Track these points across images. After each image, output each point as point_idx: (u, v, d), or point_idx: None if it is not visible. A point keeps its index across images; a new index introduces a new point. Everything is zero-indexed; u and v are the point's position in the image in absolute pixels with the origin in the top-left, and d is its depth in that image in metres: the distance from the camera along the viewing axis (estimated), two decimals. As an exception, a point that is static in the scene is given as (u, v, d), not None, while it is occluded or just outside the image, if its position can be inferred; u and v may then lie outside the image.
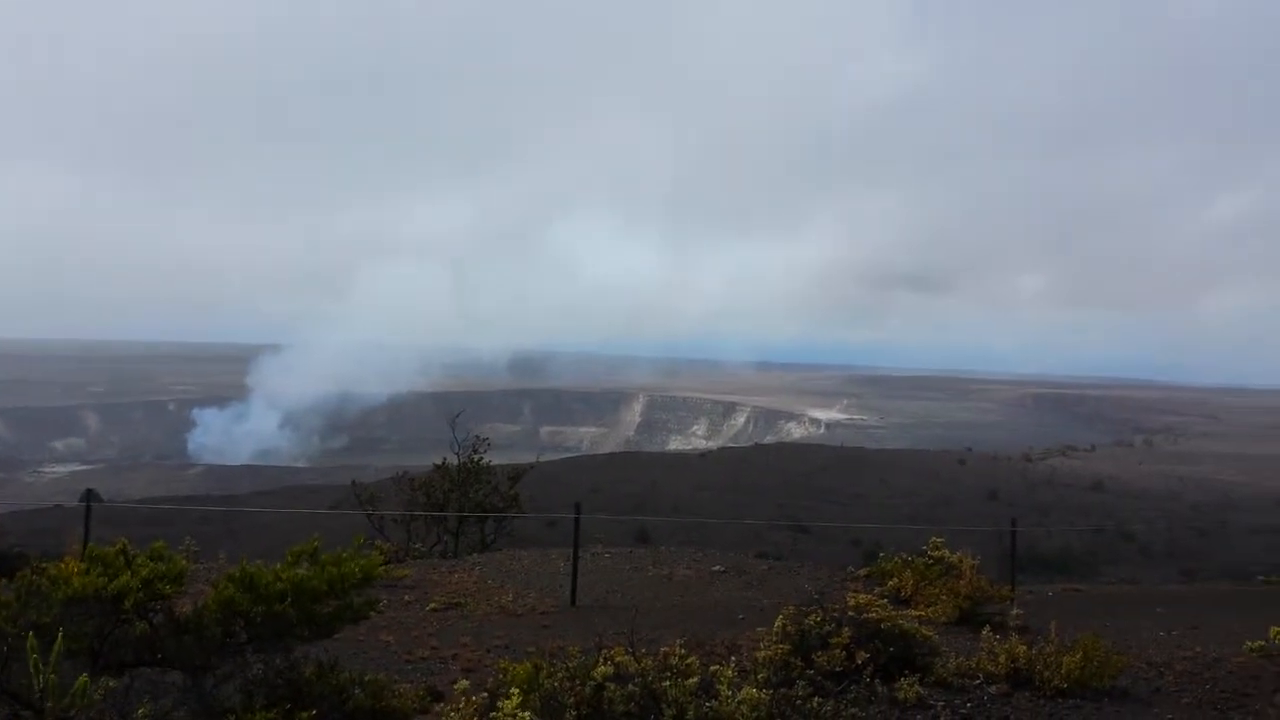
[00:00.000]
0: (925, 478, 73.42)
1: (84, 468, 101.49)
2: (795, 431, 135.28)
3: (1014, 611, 11.81)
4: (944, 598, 12.33)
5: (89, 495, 14.78)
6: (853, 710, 6.36)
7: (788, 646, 7.88)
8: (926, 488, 68.01)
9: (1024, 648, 8.08)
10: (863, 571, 15.54)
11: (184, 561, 5.22)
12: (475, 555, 17.48)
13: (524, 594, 13.58)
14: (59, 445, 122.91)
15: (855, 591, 11.05)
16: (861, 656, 7.69)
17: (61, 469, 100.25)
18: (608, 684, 5.70)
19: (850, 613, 8.33)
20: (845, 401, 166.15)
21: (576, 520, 13.87)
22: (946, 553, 13.91)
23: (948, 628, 11.51)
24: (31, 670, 4.23)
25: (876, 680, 7.25)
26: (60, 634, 4.40)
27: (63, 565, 5.16)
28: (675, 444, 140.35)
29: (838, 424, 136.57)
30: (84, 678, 4.29)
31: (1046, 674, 7.79)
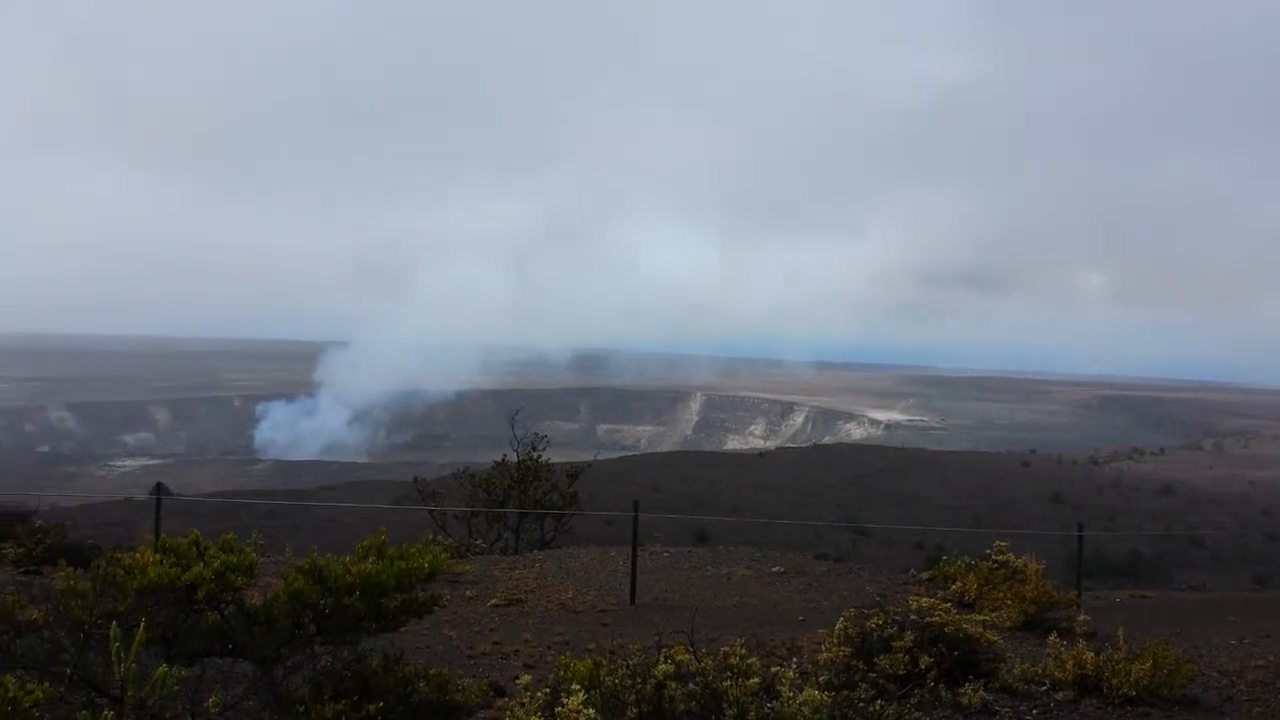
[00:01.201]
0: (988, 480, 72.40)
1: (153, 462, 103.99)
2: (854, 432, 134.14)
3: (1080, 617, 11.60)
4: (1009, 602, 12.15)
5: (159, 488, 15.12)
6: (916, 715, 6.29)
7: (849, 649, 7.82)
8: (989, 490, 67.06)
9: (1091, 654, 7.92)
10: (925, 574, 15.37)
11: (254, 554, 5.32)
12: (535, 552, 17.59)
13: (584, 591, 13.64)
14: (129, 440, 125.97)
15: (918, 595, 10.94)
16: (925, 661, 7.61)
17: (131, 463, 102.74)
18: (669, 682, 5.70)
19: (913, 616, 8.24)
20: (905, 402, 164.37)
21: (635, 519, 13.90)
22: (1011, 556, 13.70)
23: (1013, 633, 11.34)
24: (113, 659, 4.33)
25: (940, 685, 7.17)
26: (142, 624, 4.50)
27: (137, 556, 5.28)
28: (733, 443, 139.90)
29: (898, 425, 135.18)
30: (164, 667, 4.39)
31: (1114, 681, 7.63)
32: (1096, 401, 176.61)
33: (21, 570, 12.08)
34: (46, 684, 4.29)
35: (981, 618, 10.29)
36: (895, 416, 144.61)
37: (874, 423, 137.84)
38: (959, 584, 13.44)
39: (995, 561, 13.67)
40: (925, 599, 8.89)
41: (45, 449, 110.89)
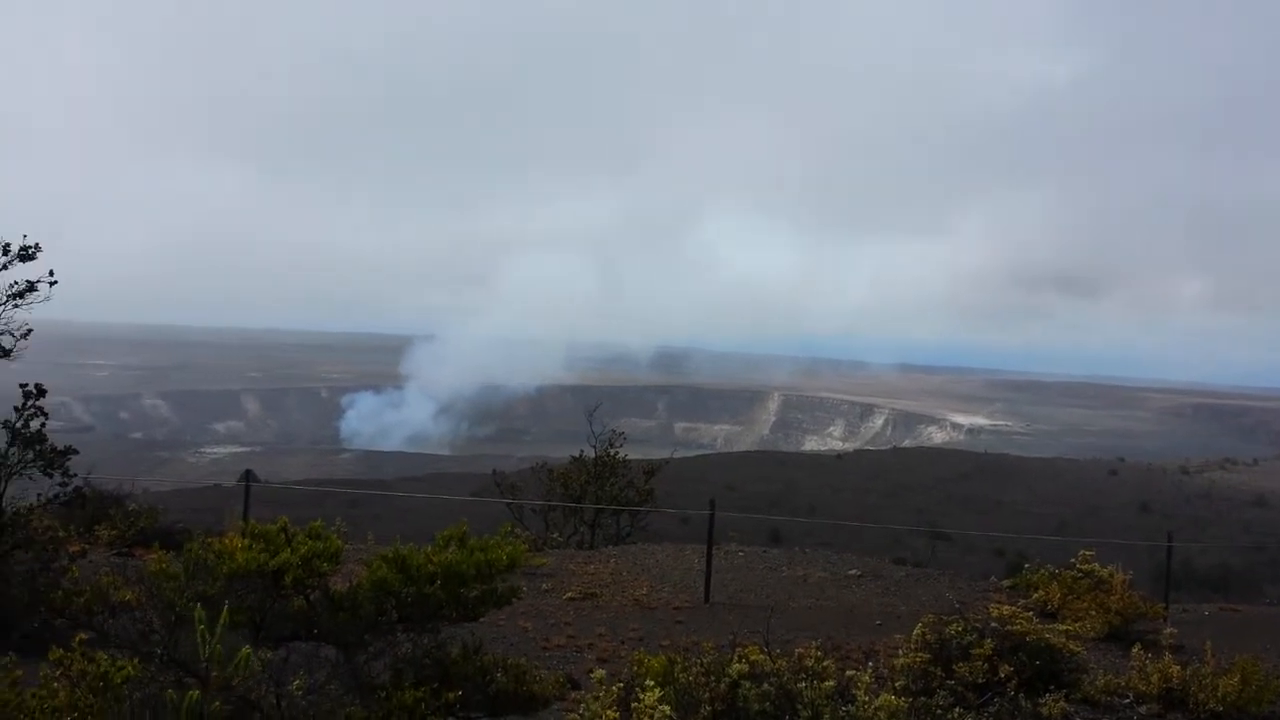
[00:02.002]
0: (1073, 488, 70.71)
1: (242, 449, 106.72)
2: (936, 436, 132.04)
3: (1167, 630, 11.32)
4: (1093, 613, 11.91)
5: (248, 475, 15.55)
6: (995, 723, 6.20)
7: (927, 655, 7.72)
8: (1075, 498, 65.49)
9: (1178, 668, 7.73)
10: (1006, 582, 15.12)
11: (339, 541, 5.45)
12: (611, 548, 17.69)
13: (658, 588, 13.67)
14: (220, 428, 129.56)
15: (998, 602, 10.76)
16: (1004, 669, 7.48)
17: (221, 450, 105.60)
18: (743, 682, 5.70)
19: (993, 624, 8.11)
20: (990, 407, 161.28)
21: (711, 517, 13.89)
22: (1096, 566, 13.42)
23: (1096, 644, 11.12)
24: (199, 640, 4.47)
25: (1020, 695, 7.04)
26: (226, 606, 4.64)
27: (227, 541, 5.44)
28: (811, 444, 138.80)
29: (981, 429, 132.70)
30: (247, 649, 4.52)
31: (1201, 696, 7.43)
32: (1188, 409, 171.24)
33: (114, 552, 12.49)
34: (136, 662, 4.44)
35: (1064, 627, 10.07)
36: (979, 421, 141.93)
37: (956, 427, 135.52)
38: (1041, 592, 13.21)
39: (1079, 570, 13.40)
40: (1006, 607, 8.75)
41: (140, 435, 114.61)
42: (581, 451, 21.72)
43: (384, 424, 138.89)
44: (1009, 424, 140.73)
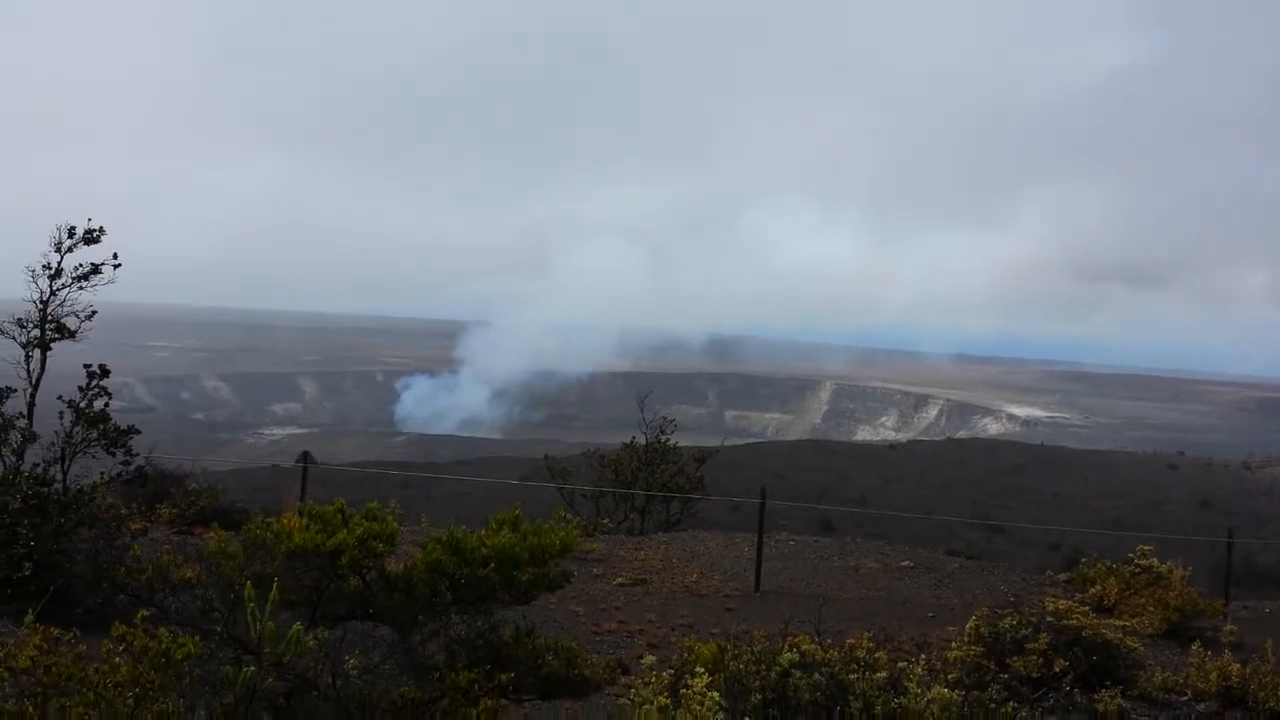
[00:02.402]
0: (1132, 481, 69.43)
1: (299, 431, 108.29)
2: (991, 427, 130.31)
3: (1227, 627, 11.13)
4: (1150, 608, 11.74)
5: (305, 457, 15.79)
6: (1050, 719, 6.12)
7: (980, 648, 7.65)
8: (1133, 492, 64.32)
9: (1237, 665, 7.58)
10: (1062, 576, 14.94)
11: (395, 523, 5.51)
12: (661, 534, 17.71)
13: (708, 575, 13.67)
14: (278, 409, 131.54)
15: (1054, 597, 10.62)
16: (1060, 664, 7.40)
17: (279, 431, 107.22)
18: (794, 671, 5.68)
19: (1049, 618, 8.01)
20: (1047, 398, 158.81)
21: (762, 505, 13.86)
22: (1154, 561, 13.21)
23: (1153, 640, 10.94)
24: (249, 618, 4.54)
25: (1076, 690, 6.95)
26: (275, 584, 4.71)
27: (285, 521, 5.52)
28: (863, 434, 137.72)
29: (1037, 421, 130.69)
30: (298, 626, 4.59)
31: (1261, 695, 7.28)
32: (1252, 403, 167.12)
33: (175, 530, 12.76)
34: (196, 639, 4.53)
35: (1121, 623, 9.94)
36: (1035, 412, 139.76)
37: (1012, 418, 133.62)
38: (1098, 587, 13.04)
39: (1137, 566, 13.21)
40: (1062, 601, 8.64)
41: (200, 416, 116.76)
42: (633, 438, 21.77)
43: (437, 407, 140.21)
44: (1066, 416, 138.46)
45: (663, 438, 21.53)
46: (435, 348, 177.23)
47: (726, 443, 33.54)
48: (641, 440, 21.52)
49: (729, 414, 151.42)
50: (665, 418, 22.24)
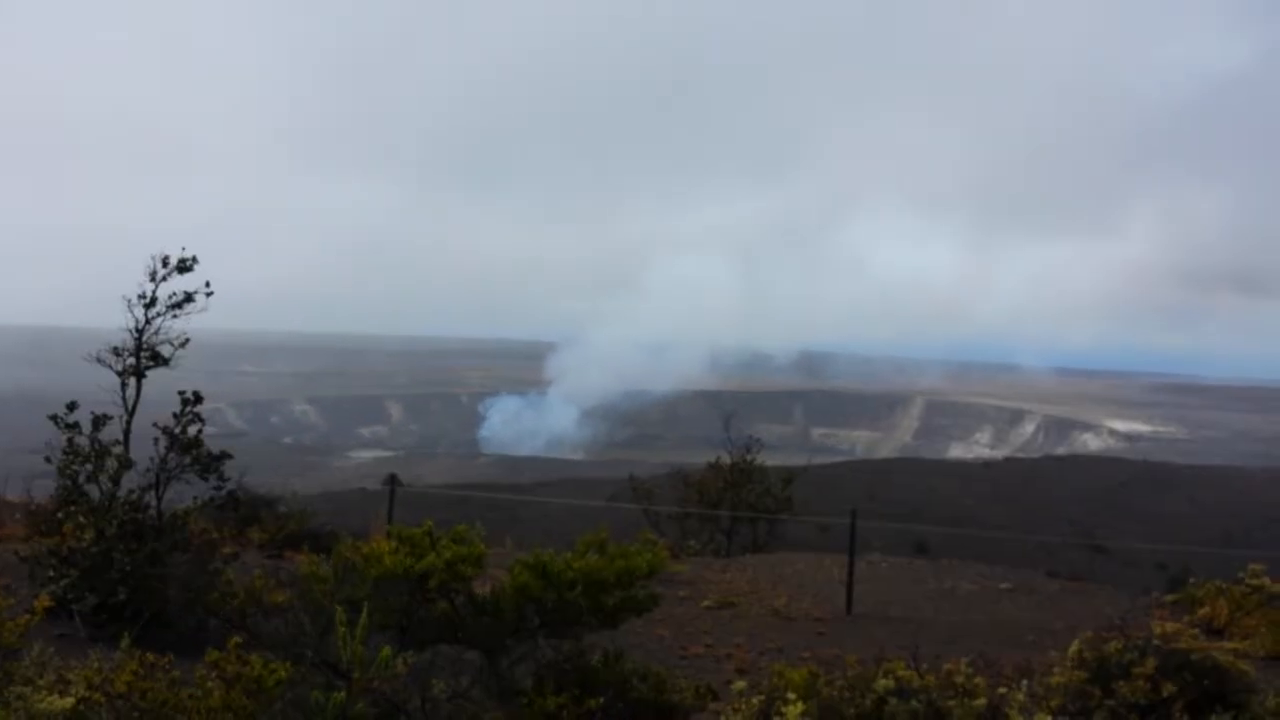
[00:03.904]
0: (1243, 498, 66.65)
1: (386, 454, 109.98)
2: (1091, 443, 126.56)
3: (1349, 651, 10.53)
4: (1263, 630, 11.21)
5: (392, 480, 15.99)
6: (1161, 749, 5.82)
7: (1085, 673, 7.34)
8: (1244, 509, 61.72)
9: (1357, 691, 7.13)
10: (1169, 597, 14.35)
11: (483, 545, 5.48)
12: (748, 556, 17.51)
13: (798, 598, 13.44)
14: (365, 432, 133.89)
15: (1160, 619, 10.18)
16: (1168, 689, 7.04)
17: (366, 454, 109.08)
18: (889, 698, 5.49)
19: (1156, 641, 7.66)
20: (1151, 412, 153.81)
21: (853, 526, 13.58)
22: (1266, 581, 12.61)
23: (1268, 663, 10.42)
24: (340, 642, 4.54)
25: (1185, 715, 6.61)
26: (366, 609, 4.71)
27: (374, 545, 5.54)
28: (956, 451, 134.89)
29: (1141, 436, 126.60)
30: (386, 650, 4.57)
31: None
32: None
33: (265, 554, 12.96)
34: (289, 664, 4.54)
35: (1232, 645, 9.47)
36: (1139, 427, 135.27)
37: (1114, 433, 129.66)
38: (1207, 608, 12.50)
39: (1249, 586, 12.63)
40: (1169, 624, 8.27)
41: (289, 440, 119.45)
42: (718, 457, 21.61)
43: (521, 429, 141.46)
44: (1172, 430, 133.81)
45: (748, 457, 21.33)
46: (519, 369, 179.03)
47: (813, 461, 33.09)
48: (727, 460, 21.35)
49: (816, 431, 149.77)
50: (750, 436, 22.05)
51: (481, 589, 5.71)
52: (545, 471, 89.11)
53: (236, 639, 4.43)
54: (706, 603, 12.67)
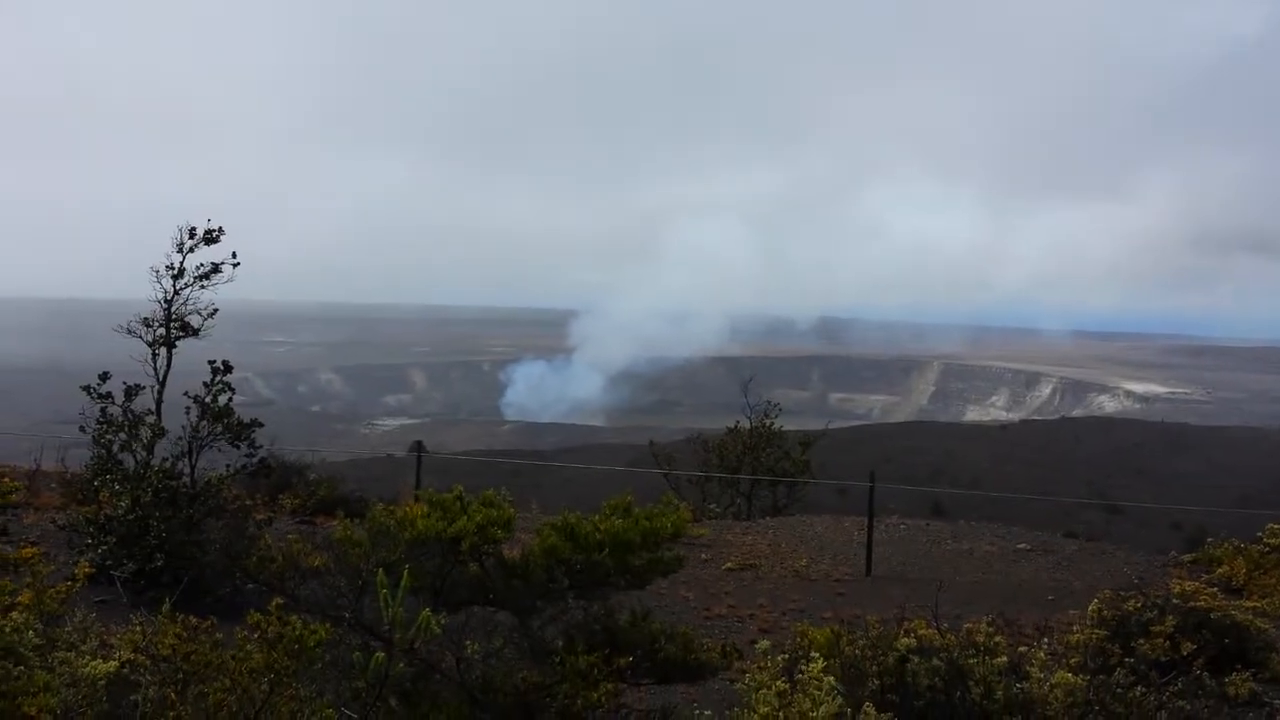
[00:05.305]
0: (1260, 458, 66.40)
1: (411, 421, 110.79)
2: (1107, 405, 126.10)
3: (1368, 609, 10.57)
4: (1282, 589, 11.26)
5: (418, 446, 16.17)
6: (1179, 703, 5.92)
7: (1104, 632, 7.45)
8: (1261, 469, 61.51)
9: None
10: (1187, 557, 14.41)
11: (512, 509, 5.61)
12: (768, 519, 17.65)
13: (818, 560, 13.58)
14: (390, 400, 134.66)
15: (1179, 578, 10.27)
16: (1187, 647, 7.16)
17: (392, 422, 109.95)
18: (911, 656, 5.61)
19: (1175, 600, 7.75)
20: (1167, 373, 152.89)
21: (871, 489, 13.69)
22: (1286, 540, 12.65)
23: (1287, 623, 10.49)
24: (381, 604, 4.67)
25: (1205, 673, 6.71)
26: (406, 571, 4.84)
27: (407, 509, 5.67)
28: (972, 415, 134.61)
29: (1157, 397, 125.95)
30: (427, 611, 4.70)
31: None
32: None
33: (297, 520, 13.18)
34: (328, 625, 4.68)
35: (1251, 604, 9.58)
36: (1155, 388, 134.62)
37: (1130, 395, 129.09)
38: (1225, 568, 12.58)
39: (1267, 545, 12.69)
40: (1188, 582, 8.36)
41: (316, 408, 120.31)
42: (737, 423, 21.73)
43: (542, 396, 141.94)
44: (1188, 391, 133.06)
45: (767, 422, 21.44)
46: (540, 337, 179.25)
47: (831, 426, 33.13)
48: (746, 425, 21.47)
49: (833, 397, 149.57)
50: (769, 402, 22.14)
51: (510, 552, 5.84)
52: (567, 437, 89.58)
53: (278, 600, 4.57)
54: (728, 565, 12.82)
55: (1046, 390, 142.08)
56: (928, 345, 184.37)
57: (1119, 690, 5.73)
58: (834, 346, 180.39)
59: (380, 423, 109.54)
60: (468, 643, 4.92)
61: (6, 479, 7.72)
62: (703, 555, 13.32)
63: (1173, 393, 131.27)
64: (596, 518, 5.55)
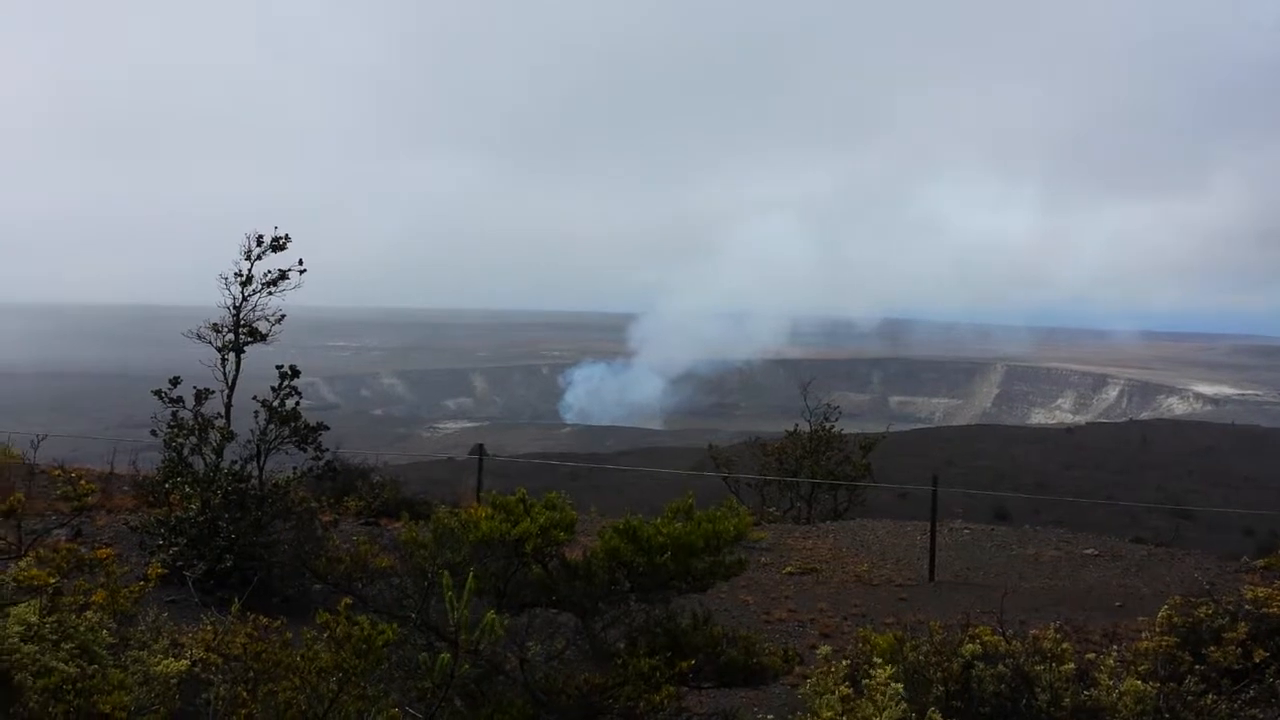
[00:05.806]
0: (1337, 462, 64.45)
1: (472, 425, 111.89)
2: (1177, 407, 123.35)
3: None
4: (1362, 597, 10.91)
5: (480, 449, 16.36)
6: (1252, 712, 5.79)
7: (1174, 639, 7.29)
8: (1338, 473, 59.72)
9: None
10: (1260, 562, 14.07)
11: (574, 512, 5.65)
12: (828, 523, 17.54)
13: (879, 564, 13.47)
14: (451, 404, 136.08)
15: (1252, 584, 10.02)
16: (1260, 654, 6.98)
17: (453, 426, 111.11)
18: (976, 663, 5.55)
19: (1247, 606, 7.57)
20: (1239, 375, 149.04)
21: (934, 492, 13.54)
22: (1365, 547, 12.30)
23: (1367, 632, 10.17)
24: (447, 605, 4.74)
25: (1278, 681, 6.55)
26: (471, 573, 4.90)
27: (471, 511, 5.74)
28: (1037, 418, 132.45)
29: (1228, 399, 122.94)
30: (492, 613, 4.76)
31: None
32: None
33: (362, 521, 13.39)
34: (395, 626, 4.76)
35: (1330, 613, 9.29)
36: (1225, 390, 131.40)
37: (1199, 397, 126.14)
38: (1302, 575, 12.24)
39: (1347, 552, 12.34)
40: (1261, 589, 8.15)
41: (379, 412, 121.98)
42: (796, 425, 21.62)
43: (601, 399, 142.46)
44: (1260, 393, 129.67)
45: (827, 425, 21.31)
46: (600, 340, 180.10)
47: (892, 429, 32.79)
48: (805, 428, 21.35)
49: (894, 400, 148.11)
50: (828, 404, 22.00)
51: (572, 554, 5.88)
52: (625, 441, 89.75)
53: (347, 600, 4.66)
54: (789, 569, 12.77)
55: (1113, 393, 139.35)
56: (990, 347, 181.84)
57: (1190, 698, 5.63)
58: (895, 348, 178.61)
59: (441, 426, 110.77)
60: (530, 644, 4.97)
61: (83, 482, 7.95)
62: (763, 559, 13.28)
63: (1243, 394, 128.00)
64: (659, 520, 5.57)
